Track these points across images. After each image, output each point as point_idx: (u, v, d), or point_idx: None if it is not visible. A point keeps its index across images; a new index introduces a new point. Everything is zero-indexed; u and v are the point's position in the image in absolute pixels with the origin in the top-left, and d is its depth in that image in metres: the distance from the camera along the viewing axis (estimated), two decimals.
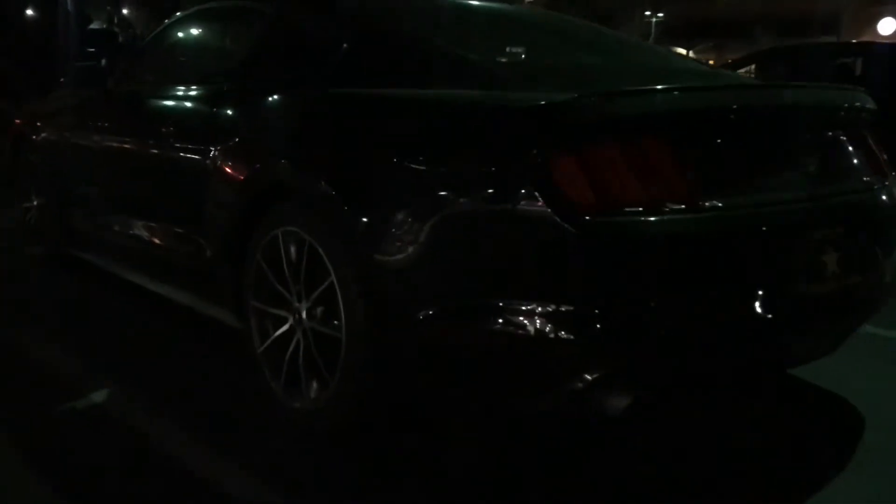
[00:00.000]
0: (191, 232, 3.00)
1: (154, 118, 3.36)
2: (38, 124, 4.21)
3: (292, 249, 2.48)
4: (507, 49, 2.52)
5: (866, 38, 21.96)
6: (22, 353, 3.13)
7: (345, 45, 2.66)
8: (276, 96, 2.73)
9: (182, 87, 3.25)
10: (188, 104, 3.16)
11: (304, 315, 2.46)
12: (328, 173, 2.32)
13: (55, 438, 2.46)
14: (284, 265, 2.49)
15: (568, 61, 2.68)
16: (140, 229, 3.37)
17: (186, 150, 3.02)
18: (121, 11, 8.14)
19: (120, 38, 7.69)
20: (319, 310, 2.42)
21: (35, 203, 4.34)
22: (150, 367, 2.99)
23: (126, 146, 3.47)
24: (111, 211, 3.61)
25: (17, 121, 4.51)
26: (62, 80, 3.76)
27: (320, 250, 2.34)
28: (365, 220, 2.19)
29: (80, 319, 3.55)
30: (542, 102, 1.96)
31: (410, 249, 2.09)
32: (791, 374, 2.77)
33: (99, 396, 2.75)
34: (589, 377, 1.94)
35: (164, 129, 3.16)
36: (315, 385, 2.45)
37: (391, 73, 2.48)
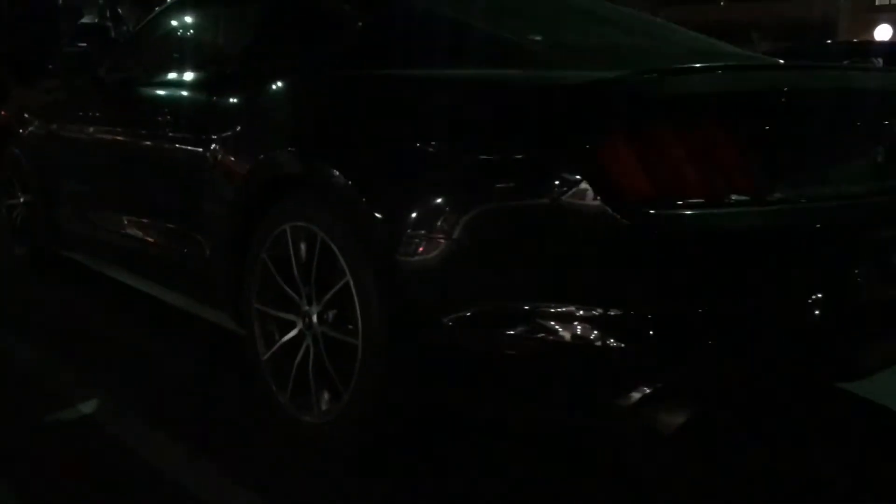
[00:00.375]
0: (188, 229, 2.77)
1: (148, 107, 3.12)
2: (25, 116, 3.97)
3: (302, 247, 2.26)
4: (540, 27, 2.30)
5: None
6: (5, 360, 2.90)
7: (360, 24, 2.44)
8: (283, 79, 2.50)
9: (179, 73, 3.03)
10: (185, 91, 2.93)
11: (314, 319, 2.23)
12: (343, 162, 2.09)
13: (41, 452, 2.24)
14: (293, 264, 2.27)
15: (603, 40, 2.46)
16: (133, 227, 3.14)
17: (183, 141, 2.79)
18: (114, 6, 7.89)
19: (112, 34, 7.43)
20: (332, 313, 2.19)
21: (21, 200, 4.09)
22: (144, 376, 2.76)
23: (118, 137, 3.24)
24: (103, 207, 3.37)
25: (3, 112, 4.26)
26: (50, 66, 3.51)
27: (334, 248, 2.11)
28: (386, 213, 1.97)
29: (69, 324, 3.31)
30: (593, 79, 1.74)
31: (438, 247, 1.86)
32: (845, 386, 2.55)
33: (88, 407, 2.52)
34: (641, 391, 1.72)
35: (159, 119, 2.92)
36: (326, 396, 2.22)
37: (412, 52, 2.26)
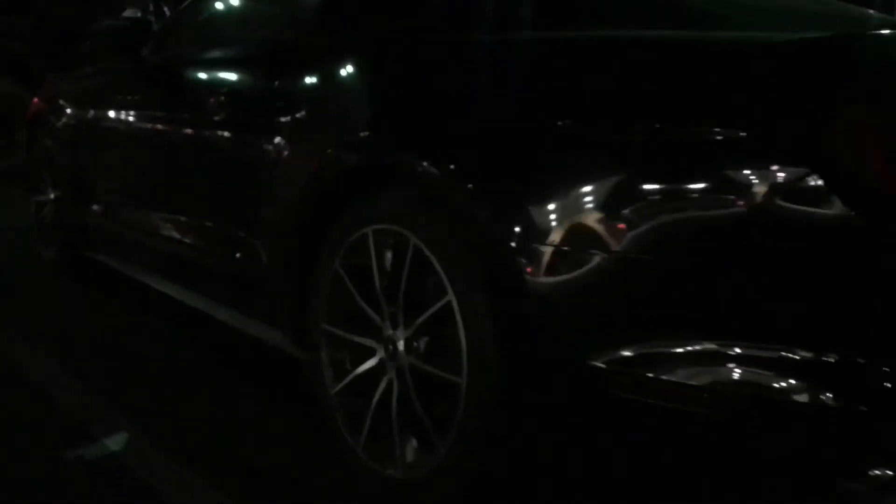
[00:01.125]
0: (242, 232, 2.33)
1: (197, 90, 2.69)
2: (59, 103, 3.57)
3: (387, 256, 1.81)
4: None
5: None
6: (24, 383, 2.46)
7: None
8: (367, 50, 2.04)
9: (234, 50, 2.60)
10: (241, 70, 2.49)
11: (400, 347, 1.77)
12: (451, 148, 1.64)
13: (57, 497, 1.82)
14: (375, 277, 1.82)
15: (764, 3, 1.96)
16: (176, 229, 2.71)
17: (239, 128, 2.36)
18: (158, 1, 7.56)
19: (154, 28, 7.05)
20: (424, 341, 1.74)
21: (51, 197, 3.69)
22: (182, 407, 2.31)
23: (162, 127, 2.81)
24: (141, 206, 2.94)
25: (34, 100, 3.87)
26: (88, 42, 3.10)
27: (432, 258, 1.66)
28: (511, 217, 1.49)
29: (97, 341, 2.87)
30: (825, 36, 1.27)
31: (590, 263, 1.39)
32: None
33: (115, 443, 2.08)
34: (877, 473, 1.24)
35: (210, 104, 2.48)
36: (413, 445, 1.76)
37: (530, 14, 1.79)
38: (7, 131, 5.97)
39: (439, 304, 1.64)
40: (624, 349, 1.37)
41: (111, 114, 3.14)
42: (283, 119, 2.16)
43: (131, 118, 3.00)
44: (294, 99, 2.17)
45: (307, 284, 2.03)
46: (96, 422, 2.18)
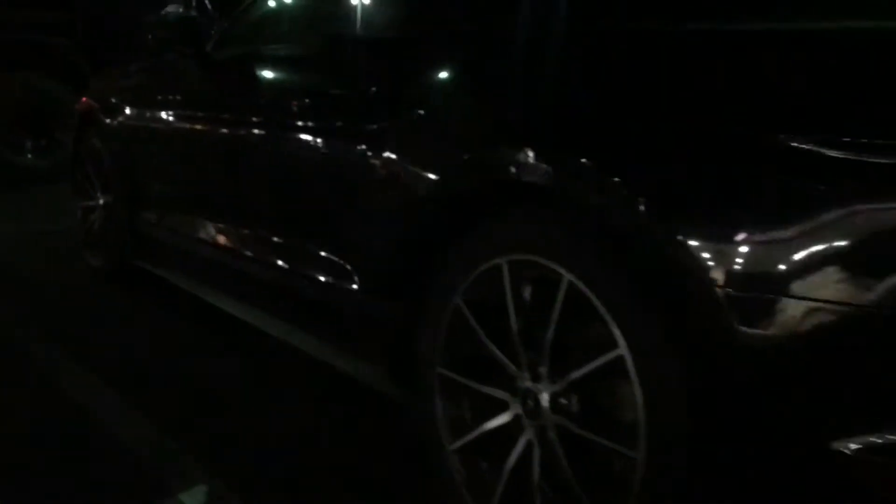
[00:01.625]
0: (330, 251, 2.04)
1: (274, 90, 2.41)
2: (112, 101, 3.29)
3: (526, 291, 1.50)
4: None
5: None
6: (81, 420, 2.17)
7: None
8: (503, 43, 1.71)
9: (319, 44, 2.30)
10: (332, 70, 2.18)
11: (544, 403, 1.46)
12: (628, 162, 1.32)
13: None
14: (510, 317, 1.51)
15: None
16: (247, 244, 2.42)
17: (330, 132, 2.06)
18: None
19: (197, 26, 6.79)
20: (575, 399, 1.43)
21: (100, 202, 3.42)
22: (263, 453, 2.01)
23: (233, 130, 2.50)
24: (206, 216, 2.65)
25: (83, 99, 3.60)
26: (150, 36, 2.81)
27: (595, 301, 1.34)
28: (715, 253, 1.18)
29: (159, 367, 2.57)
30: None
31: (826, 317, 1.08)
32: None
33: (192, 498, 1.78)
34: None
35: (293, 105, 2.19)
36: None
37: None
38: (46, 130, 5.73)
39: (605, 358, 1.33)
40: (883, 432, 1.06)
41: (172, 113, 2.86)
42: (388, 124, 1.86)
43: (196, 118, 2.71)
44: (404, 101, 1.86)
45: (412, 316, 1.74)
46: (176, 474, 1.89)
